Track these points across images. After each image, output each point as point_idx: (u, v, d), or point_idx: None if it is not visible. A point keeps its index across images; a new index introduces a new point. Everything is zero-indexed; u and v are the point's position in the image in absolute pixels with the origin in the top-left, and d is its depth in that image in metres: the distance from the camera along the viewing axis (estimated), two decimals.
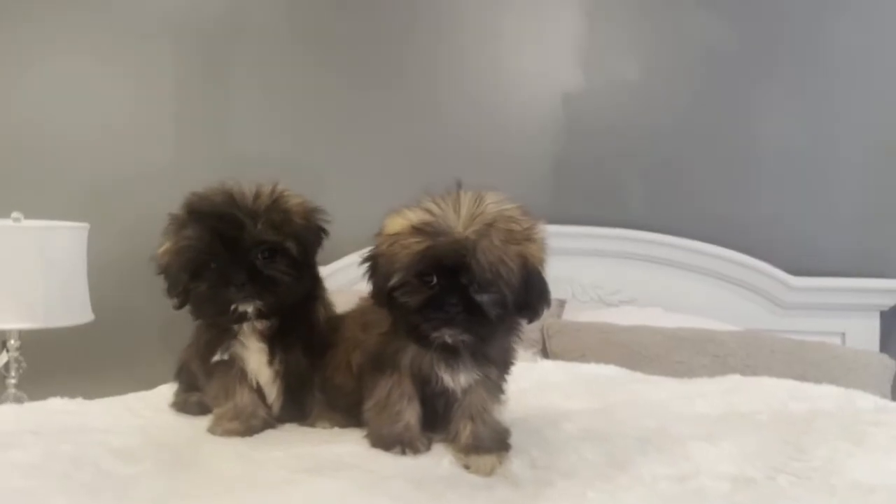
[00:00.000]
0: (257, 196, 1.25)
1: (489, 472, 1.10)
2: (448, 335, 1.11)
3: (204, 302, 1.23)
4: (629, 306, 2.73)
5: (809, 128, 2.77)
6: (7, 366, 2.54)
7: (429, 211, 1.12)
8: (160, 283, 2.96)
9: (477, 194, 1.13)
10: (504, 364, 1.24)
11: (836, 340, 2.66)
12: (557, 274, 2.77)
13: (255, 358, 1.28)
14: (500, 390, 1.24)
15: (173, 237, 1.26)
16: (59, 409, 1.33)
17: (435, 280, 1.10)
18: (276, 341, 1.28)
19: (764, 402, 1.37)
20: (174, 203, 3.17)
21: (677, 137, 2.83)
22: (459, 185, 1.14)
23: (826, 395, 1.45)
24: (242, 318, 1.23)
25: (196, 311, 1.27)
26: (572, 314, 2.67)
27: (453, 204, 1.11)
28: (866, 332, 2.70)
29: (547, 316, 2.57)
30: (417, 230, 1.11)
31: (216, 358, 1.27)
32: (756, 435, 1.15)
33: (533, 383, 1.49)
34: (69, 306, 2.54)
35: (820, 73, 2.75)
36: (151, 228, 3.00)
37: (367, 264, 1.20)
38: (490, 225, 1.09)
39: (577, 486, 0.94)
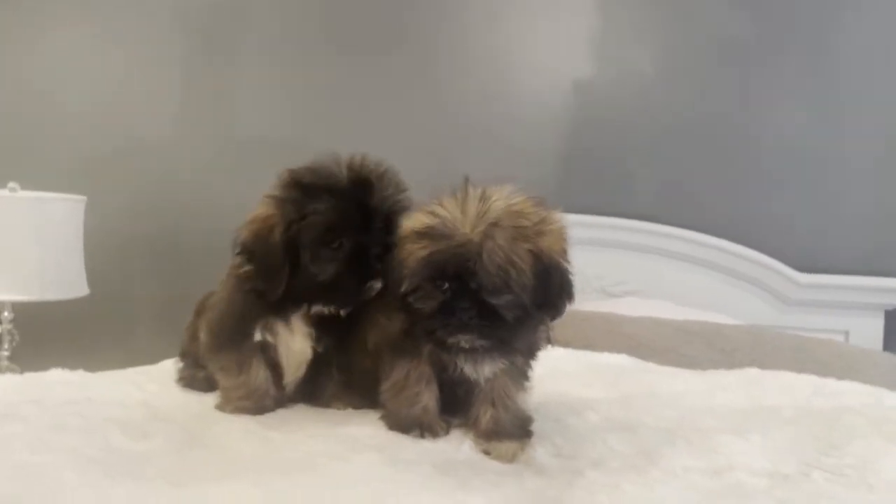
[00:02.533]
0: (377, 167, 1.20)
1: (510, 459, 1.06)
2: (464, 341, 1.07)
3: (340, 281, 1.16)
4: (633, 298, 2.70)
5: (820, 124, 2.74)
6: (0, 338, 2.49)
7: (433, 213, 1.07)
8: (156, 259, 2.92)
9: (483, 191, 1.07)
10: (530, 352, 1.19)
11: (840, 338, 2.64)
12: None
13: (300, 340, 1.21)
14: (525, 377, 1.19)
15: (293, 212, 1.16)
16: (60, 381, 1.28)
17: (447, 285, 1.06)
18: (323, 322, 1.21)
19: (787, 397, 1.34)
20: (173, 179, 3.12)
21: (687, 130, 2.80)
22: (467, 182, 1.08)
23: (850, 392, 1.42)
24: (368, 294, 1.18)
25: (324, 293, 1.17)
26: (576, 304, 2.63)
27: (459, 204, 1.06)
28: (870, 331, 2.69)
29: None
30: (421, 234, 1.07)
31: (258, 338, 1.19)
32: (784, 430, 1.12)
33: (547, 370, 1.44)
34: (64, 279, 2.49)
35: (832, 69, 2.73)
36: (149, 203, 2.97)
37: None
38: (495, 224, 1.03)
39: (608, 476, 0.90)
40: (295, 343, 1.22)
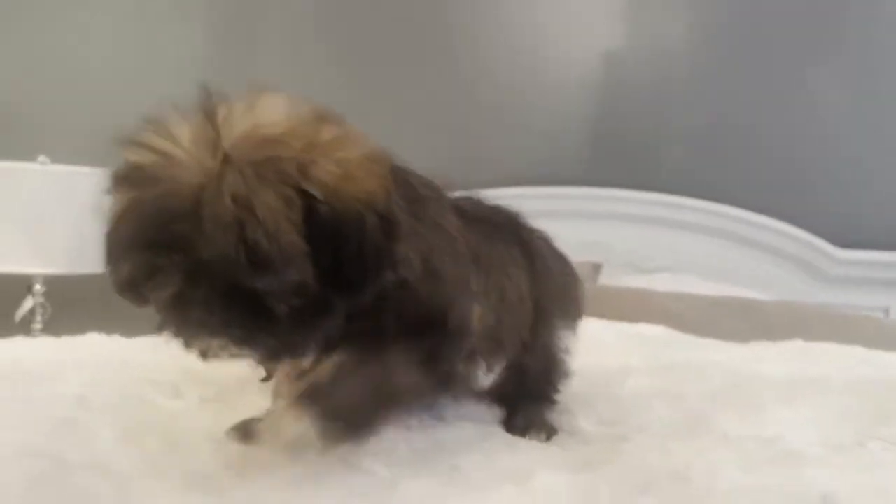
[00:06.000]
0: None
1: (280, 443, 0.72)
2: (213, 348, 0.69)
3: None
4: (665, 273, 2.65)
5: (861, 96, 2.67)
6: (32, 311, 2.51)
7: (146, 145, 0.70)
8: None
9: (224, 106, 0.71)
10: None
11: (879, 315, 2.58)
12: (590, 238, 2.72)
13: None
14: None
15: None
16: (98, 344, 1.28)
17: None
18: None
19: (834, 367, 1.30)
20: None
21: (721, 100, 2.73)
22: (208, 95, 0.72)
23: None
24: None
25: None
26: (606, 279, 2.60)
27: (189, 129, 0.69)
28: None
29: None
30: (121, 180, 0.71)
31: None
32: (834, 400, 1.07)
33: (583, 341, 1.41)
34: (94, 253, 2.49)
35: (875, 41, 2.64)
36: None
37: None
38: (228, 159, 0.66)
39: (657, 441, 0.87)
40: None
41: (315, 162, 0.67)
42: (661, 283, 2.44)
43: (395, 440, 0.80)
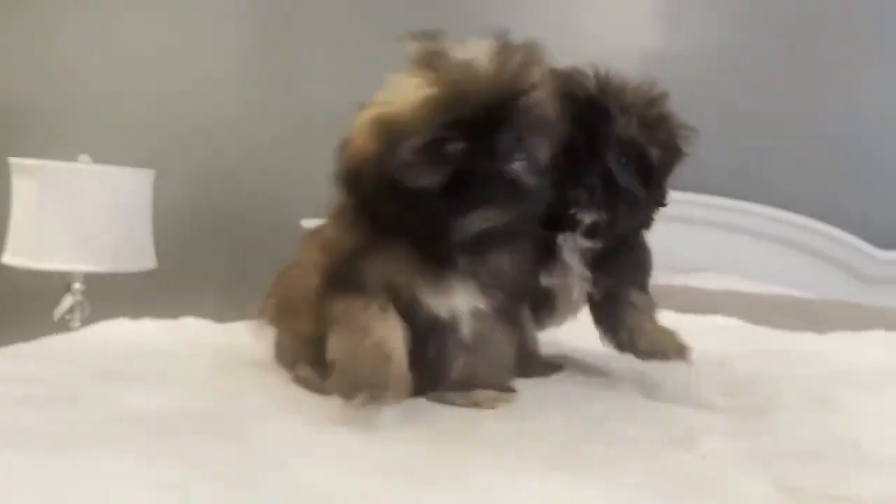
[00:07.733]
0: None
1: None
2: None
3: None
4: (706, 273, 2.64)
5: None
6: (72, 309, 2.49)
7: (443, 68, 0.77)
8: (222, 235, 2.87)
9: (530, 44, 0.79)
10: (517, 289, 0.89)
11: None
12: None
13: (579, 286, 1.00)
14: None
15: None
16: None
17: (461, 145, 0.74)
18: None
19: None
20: (237, 154, 3.08)
21: (762, 102, 2.73)
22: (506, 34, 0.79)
23: None
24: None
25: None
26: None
27: (493, 52, 0.78)
28: None
29: None
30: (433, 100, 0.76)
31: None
32: None
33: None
34: (134, 252, 2.49)
35: None
36: (214, 179, 2.93)
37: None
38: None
39: (791, 414, 0.85)
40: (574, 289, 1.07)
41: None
42: (704, 283, 2.43)
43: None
